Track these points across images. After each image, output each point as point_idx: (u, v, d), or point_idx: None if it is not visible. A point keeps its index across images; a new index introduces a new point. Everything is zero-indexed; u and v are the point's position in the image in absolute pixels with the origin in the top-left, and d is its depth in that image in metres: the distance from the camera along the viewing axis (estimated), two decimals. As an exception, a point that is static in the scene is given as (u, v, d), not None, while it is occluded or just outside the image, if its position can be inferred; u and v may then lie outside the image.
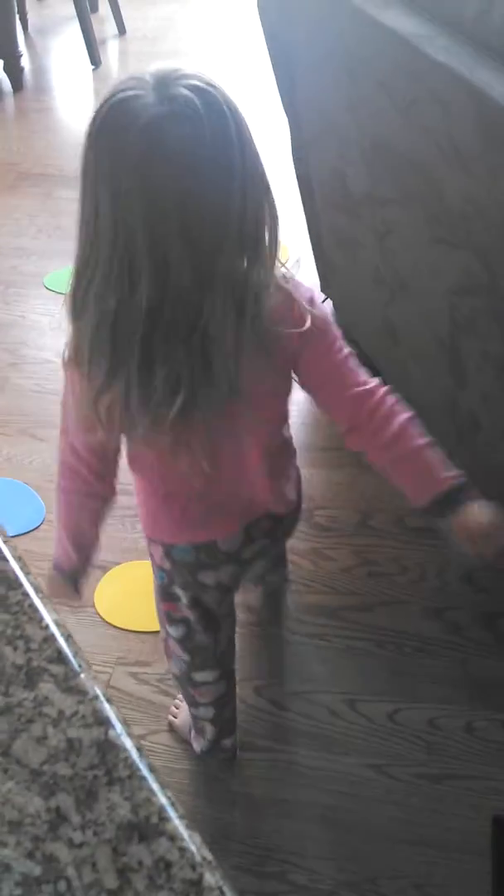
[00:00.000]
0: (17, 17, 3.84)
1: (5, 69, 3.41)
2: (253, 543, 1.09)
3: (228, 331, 0.82)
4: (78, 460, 1.02)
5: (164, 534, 1.07)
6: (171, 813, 0.44)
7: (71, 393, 0.92)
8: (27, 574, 0.56)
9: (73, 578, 1.11)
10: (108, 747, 0.47)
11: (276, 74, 1.80)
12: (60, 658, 0.51)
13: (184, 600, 1.12)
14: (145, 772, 0.46)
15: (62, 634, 0.52)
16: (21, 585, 0.55)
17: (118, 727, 0.48)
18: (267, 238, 0.82)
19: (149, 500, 1.07)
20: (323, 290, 2.17)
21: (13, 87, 3.44)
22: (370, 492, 1.78)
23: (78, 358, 0.85)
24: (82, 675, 0.50)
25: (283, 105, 1.84)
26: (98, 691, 0.50)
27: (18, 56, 3.39)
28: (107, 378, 0.83)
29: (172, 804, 0.45)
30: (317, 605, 1.59)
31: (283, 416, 1.05)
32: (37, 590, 0.55)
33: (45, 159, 2.99)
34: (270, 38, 1.74)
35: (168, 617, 1.17)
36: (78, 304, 0.82)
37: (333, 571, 1.64)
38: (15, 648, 0.51)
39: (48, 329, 2.25)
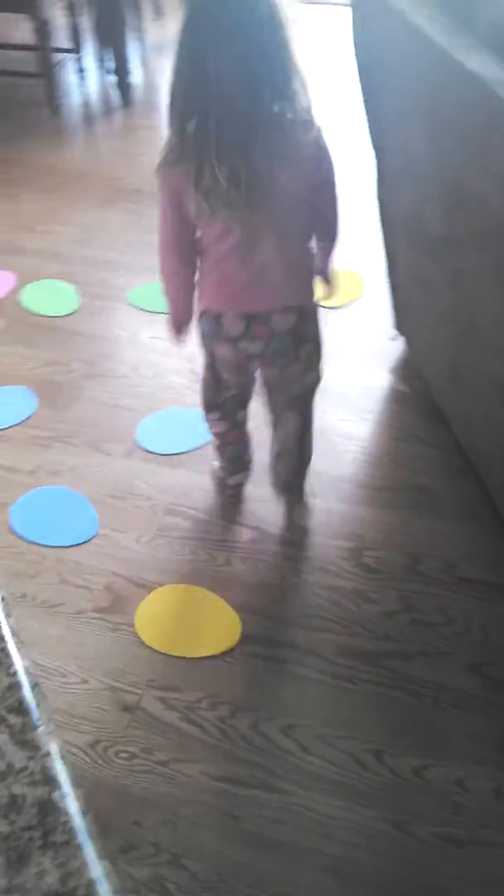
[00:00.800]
0: (136, 34, 3.94)
1: (117, 85, 3.50)
2: (250, 340, 1.47)
3: (274, 145, 1.26)
4: (174, 260, 1.45)
5: (206, 301, 1.48)
6: (100, 888, 0.44)
7: (166, 193, 1.34)
8: (8, 616, 0.56)
9: (179, 328, 1.56)
10: (50, 808, 0.47)
11: (366, 111, 1.80)
12: (21, 709, 0.51)
13: (207, 358, 1.58)
14: (83, 839, 0.46)
15: (30, 683, 0.52)
16: (-3, 629, 0.55)
17: (64, 788, 0.48)
18: (295, 82, 1.25)
19: (204, 277, 1.45)
20: (397, 327, 2.15)
21: (123, 102, 3.53)
22: (422, 536, 1.74)
23: (174, 162, 1.29)
24: (40, 730, 0.50)
25: (372, 142, 1.84)
26: (51, 748, 0.50)
27: (129, 73, 3.47)
28: (195, 173, 1.26)
29: (106, 875, 0.45)
30: (354, 647, 1.56)
31: (304, 225, 1.45)
32: (13, 633, 0.55)
33: (144, 176, 3.04)
34: (363, 75, 1.74)
35: (203, 361, 1.61)
36: (176, 124, 1.27)
37: (375, 615, 1.61)
38: (-22, 695, 0.51)
39: (127, 344, 2.29)
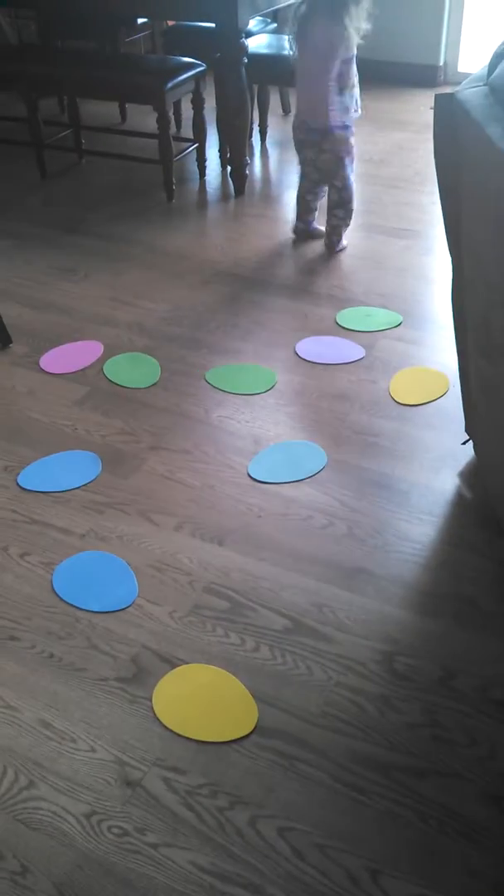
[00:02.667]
0: (258, 128, 4.13)
1: (231, 175, 3.66)
2: (305, 140, 3.04)
3: (321, 25, 2.84)
4: None
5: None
6: None
7: None
8: None
9: None
10: None
11: (444, 214, 1.82)
12: None
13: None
14: None
15: None
16: None
17: None
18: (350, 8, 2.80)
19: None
20: (466, 429, 2.12)
21: (235, 191, 3.68)
22: (460, 650, 1.67)
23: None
24: None
25: (448, 242, 1.85)
26: None
27: (245, 164, 3.62)
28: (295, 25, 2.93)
29: None
30: (369, 756, 1.50)
31: (329, 72, 2.88)
32: None
33: (242, 261, 3.15)
34: (441, 179, 1.76)
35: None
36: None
37: (397, 725, 1.55)
38: None
39: (196, 421, 2.33)
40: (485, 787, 1.44)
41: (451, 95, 1.66)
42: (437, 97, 1.69)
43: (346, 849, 1.37)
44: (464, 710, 1.57)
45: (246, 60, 3.38)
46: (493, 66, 1.64)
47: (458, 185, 1.70)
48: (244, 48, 3.34)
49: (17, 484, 2.13)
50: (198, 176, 3.88)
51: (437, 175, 1.77)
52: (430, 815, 1.41)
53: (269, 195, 3.78)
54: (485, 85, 1.62)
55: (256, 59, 3.58)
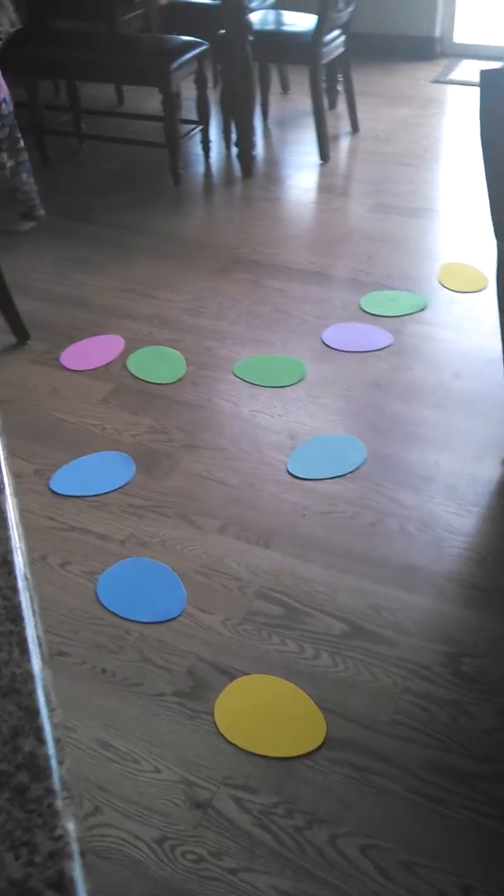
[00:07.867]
0: (261, 109, 4.02)
1: (238, 157, 3.56)
2: None
3: None
4: None
5: None
6: None
7: None
8: (61, 763, 0.50)
9: None
10: None
11: (489, 190, 1.74)
12: (62, 885, 0.45)
13: None
14: None
15: (77, 851, 0.46)
16: (48, 778, 0.50)
17: None
18: None
19: None
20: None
21: (243, 173, 3.59)
22: (528, 648, 1.62)
23: None
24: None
25: (494, 223, 1.77)
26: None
27: (252, 146, 3.52)
28: None
29: None
30: (447, 765, 1.44)
31: None
32: (63, 786, 0.49)
33: (260, 247, 3.06)
34: (492, 161, 1.68)
35: None
36: None
37: (472, 731, 1.49)
38: (17, 857, 0.45)
39: (228, 416, 2.26)
40: None
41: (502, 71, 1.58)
42: (483, 73, 1.62)
43: (432, 865, 1.32)
44: (539, 713, 1.52)
45: (251, 38, 3.27)
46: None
47: (509, 164, 1.63)
48: (249, 25, 3.24)
49: (50, 489, 2.06)
50: (202, 159, 3.78)
51: (484, 155, 1.69)
52: (517, 825, 1.36)
53: (276, 176, 3.68)
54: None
55: (258, 35, 3.47)
